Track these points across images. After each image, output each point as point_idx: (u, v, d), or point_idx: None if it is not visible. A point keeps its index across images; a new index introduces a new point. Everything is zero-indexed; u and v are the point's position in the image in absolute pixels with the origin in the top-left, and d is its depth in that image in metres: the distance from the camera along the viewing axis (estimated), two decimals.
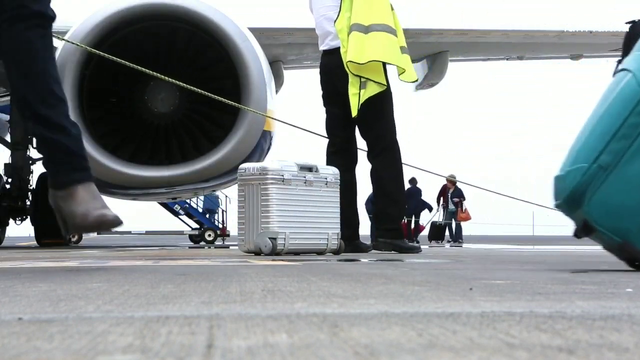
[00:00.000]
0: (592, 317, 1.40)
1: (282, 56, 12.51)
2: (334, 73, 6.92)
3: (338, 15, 6.94)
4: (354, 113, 6.83)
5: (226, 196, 23.25)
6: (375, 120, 6.92)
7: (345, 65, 6.77)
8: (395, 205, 7.06)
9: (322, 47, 7.19)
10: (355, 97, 6.84)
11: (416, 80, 7.22)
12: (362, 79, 6.80)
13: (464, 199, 22.37)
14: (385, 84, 6.83)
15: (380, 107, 6.90)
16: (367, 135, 7.05)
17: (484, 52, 13.98)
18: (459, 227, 22.66)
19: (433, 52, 12.98)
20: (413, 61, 13.84)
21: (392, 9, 7.02)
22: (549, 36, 13.16)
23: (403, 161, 7.12)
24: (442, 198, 23.06)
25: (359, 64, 6.73)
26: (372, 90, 6.81)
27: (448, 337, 1.15)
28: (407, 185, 22.53)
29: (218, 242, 21.10)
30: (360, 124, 6.98)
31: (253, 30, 9.50)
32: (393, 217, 7.03)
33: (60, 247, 10.61)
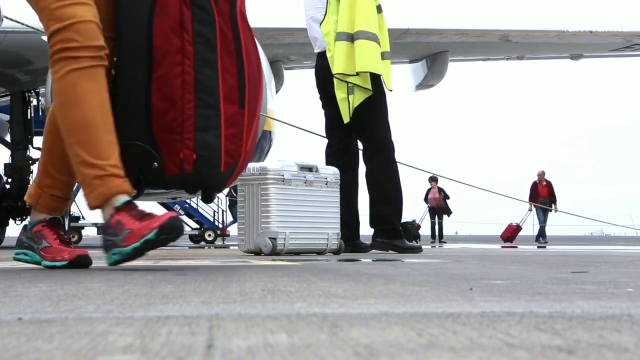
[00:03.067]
0: (592, 317, 1.40)
1: (282, 56, 12.51)
2: (328, 74, 6.93)
3: (324, 18, 6.96)
4: (346, 119, 6.87)
5: (226, 196, 23.27)
6: (369, 121, 6.92)
7: (334, 76, 6.82)
8: (391, 206, 7.06)
9: (315, 50, 7.21)
10: (344, 102, 6.88)
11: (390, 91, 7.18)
12: (349, 84, 6.83)
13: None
14: (371, 89, 6.85)
15: (372, 108, 6.91)
16: (361, 136, 7.06)
17: (484, 52, 13.98)
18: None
19: (433, 52, 12.99)
20: (413, 61, 13.85)
21: (381, 10, 7.01)
22: (549, 36, 13.17)
23: (406, 163, 7.12)
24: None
25: (347, 75, 6.78)
26: (360, 97, 6.84)
27: (448, 337, 1.15)
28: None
29: (218, 242, 21.11)
30: (354, 125, 6.98)
31: (253, 30, 9.49)
32: (389, 217, 7.02)
33: None
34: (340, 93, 6.87)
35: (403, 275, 2.85)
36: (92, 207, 3.29)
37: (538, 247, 12.78)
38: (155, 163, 3.43)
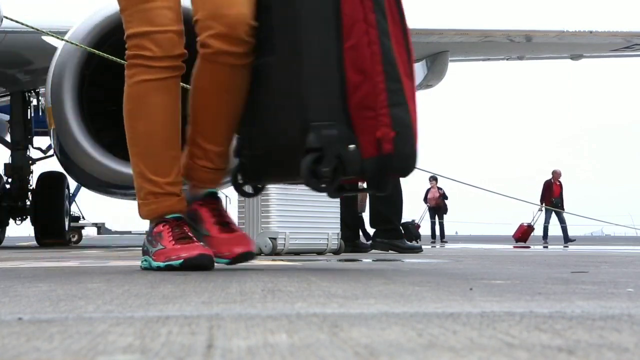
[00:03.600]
0: (592, 317, 1.40)
1: None
2: None
3: None
4: None
5: (226, 196, 23.24)
6: None
7: None
8: (392, 206, 7.06)
9: None
10: None
11: None
12: None
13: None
14: None
15: None
16: None
17: (484, 52, 13.96)
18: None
19: (433, 52, 12.97)
20: (416, 60, 13.78)
21: None
22: (549, 36, 13.15)
23: None
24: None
25: None
26: None
27: (448, 337, 1.15)
28: None
29: None
30: None
31: None
32: (390, 217, 7.02)
33: (60, 247, 10.62)
34: None
35: (403, 275, 2.85)
36: (142, 218, 3.29)
37: (564, 247, 12.72)
38: (352, 145, 3.03)
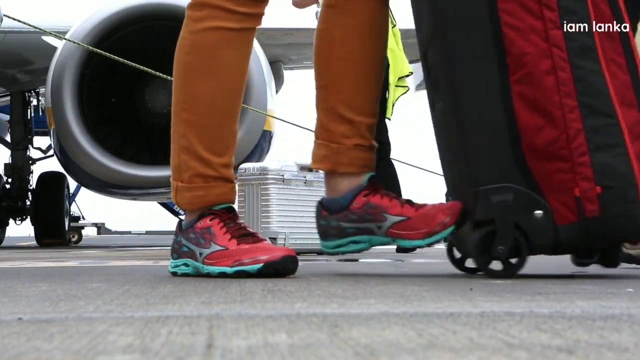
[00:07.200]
0: (592, 317, 1.40)
1: (282, 56, 12.50)
2: None
3: None
4: (388, 114, 6.73)
5: None
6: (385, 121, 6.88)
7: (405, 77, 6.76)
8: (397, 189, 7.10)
9: None
10: (390, 102, 6.74)
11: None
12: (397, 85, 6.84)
13: None
14: (408, 86, 6.91)
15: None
16: (385, 135, 6.96)
17: None
18: None
19: None
20: (413, 61, 13.87)
21: (394, 25, 6.99)
22: None
23: (406, 162, 7.12)
24: None
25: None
26: (399, 92, 6.82)
27: (448, 337, 1.15)
28: None
29: None
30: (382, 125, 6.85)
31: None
32: None
33: (60, 247, 10.62)
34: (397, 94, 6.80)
35: (403, 275, 2.85)
36: (179, 206, 2.66)
37: None
38: (539, 210, 2.41)
